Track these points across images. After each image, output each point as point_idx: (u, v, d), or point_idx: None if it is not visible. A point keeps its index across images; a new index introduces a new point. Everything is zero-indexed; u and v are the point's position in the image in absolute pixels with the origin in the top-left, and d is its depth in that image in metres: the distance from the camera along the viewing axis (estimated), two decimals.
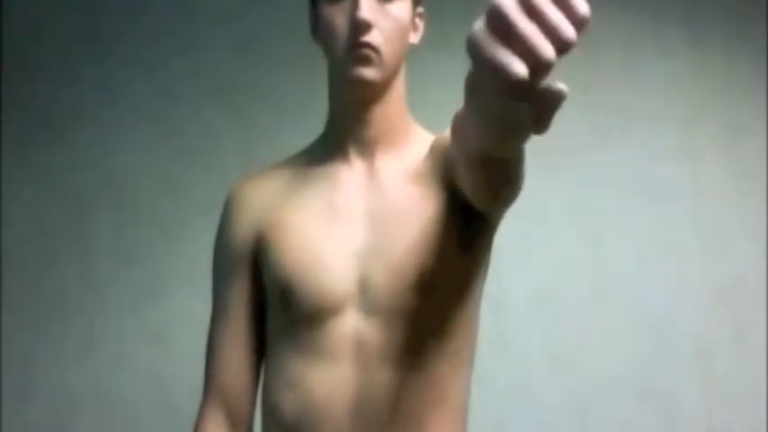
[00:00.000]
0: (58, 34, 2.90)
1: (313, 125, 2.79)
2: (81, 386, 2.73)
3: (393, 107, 1.27)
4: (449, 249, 1.21)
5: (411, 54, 2.81)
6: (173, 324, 2.74)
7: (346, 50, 1.19)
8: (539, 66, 0.66)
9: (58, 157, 2.84)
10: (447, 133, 1.25)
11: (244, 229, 1.30)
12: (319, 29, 1.24)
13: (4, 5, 2.91)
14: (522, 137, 0.79)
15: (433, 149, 1.24)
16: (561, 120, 2.80)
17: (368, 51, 1.18)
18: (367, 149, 1.26)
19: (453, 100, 2.80)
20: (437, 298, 1.19)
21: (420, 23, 1.30)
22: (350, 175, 1.26)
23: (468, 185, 1.06)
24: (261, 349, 1.32)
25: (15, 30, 2.90)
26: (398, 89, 1.28)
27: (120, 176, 2.82)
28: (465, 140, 0.92)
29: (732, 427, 2.63)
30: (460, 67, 2.82)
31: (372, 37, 1.18)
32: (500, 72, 0.66)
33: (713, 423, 2.63)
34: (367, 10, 1.17)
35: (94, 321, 2.76)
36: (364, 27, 1.17)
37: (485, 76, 0.69)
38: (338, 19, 1.20)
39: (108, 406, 2.72)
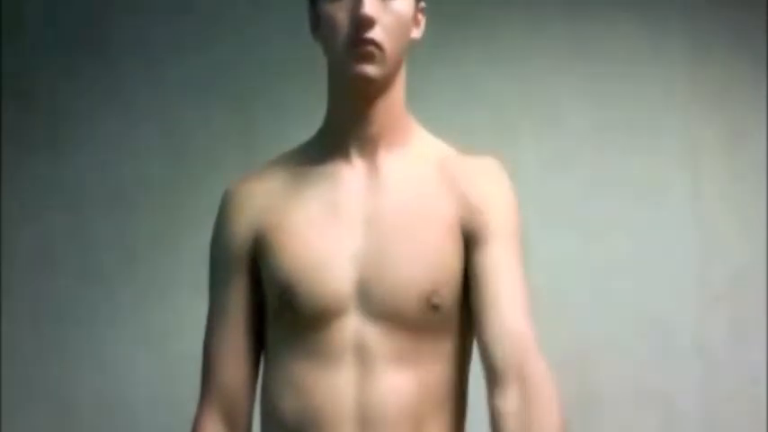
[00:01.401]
0: (58, 34, 2.89)
1: (316, 125, 2.77)
2: (82, 387, 2.73)
3: (395, 103, 1.26)
4: (451, 253, 1.21)
5: (409, 54, 2.80)
6: (174, 325, 2.74)
7: (348, 47, 1.18)
8: None
9: (58, 157, 2.84)
10: (489, 184, 1.24)
11: (242, 229, 1.28)
12: (320, 26, 1.23)
13: (3, 5, 2.91)
14: None
15: (469, 186, 1.24)
16: (562, 120, 2.79)
17: (371, 48, 1.17)
18: (368, 147, 1.25)
19: (450, 101, 2.80)
20: (439, 300, 1.19)
21: (422, 18, 1.29)
22: (351, 174, 1.24)
23: None
24: (258, 349, 1.30)
25: (15, 30, 2.90)
26: (400, 85, 1.27)
27: (121, 177, 2.82)
28: None
29: (732, 427, 2.63)
30: (460, 69, 2.82)
31: (375, 33, 1.17)
32: None
33: (713, 423, 2.63)
34: (370, 6, 1.15)
35: (95, 322, 2.76)
36: (367, 23, 1.16)
37: None
38: (339, 15, 1.18)
39: (109, 407, 2.71)
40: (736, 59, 2.80)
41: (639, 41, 2.82)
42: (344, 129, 1.26)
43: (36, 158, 2.84)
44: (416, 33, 1.28)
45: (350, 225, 1.21)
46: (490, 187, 1.24)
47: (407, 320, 1.17)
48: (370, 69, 1.18)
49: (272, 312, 1.24)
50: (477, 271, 1.19)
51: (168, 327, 2.74)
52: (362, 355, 1.17)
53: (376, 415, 1.15)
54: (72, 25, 2.90)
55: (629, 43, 2.82)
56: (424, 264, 1.18)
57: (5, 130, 2.86)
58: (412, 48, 1.31)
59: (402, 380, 1.16)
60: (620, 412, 2.65)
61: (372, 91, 1.22)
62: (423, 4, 1.29)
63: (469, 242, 1.22)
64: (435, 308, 1.18)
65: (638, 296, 2.71)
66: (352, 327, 1.18)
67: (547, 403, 1.15)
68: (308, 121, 2.84)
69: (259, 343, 1.29)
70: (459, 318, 1.24)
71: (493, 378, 1.15)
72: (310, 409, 1.17)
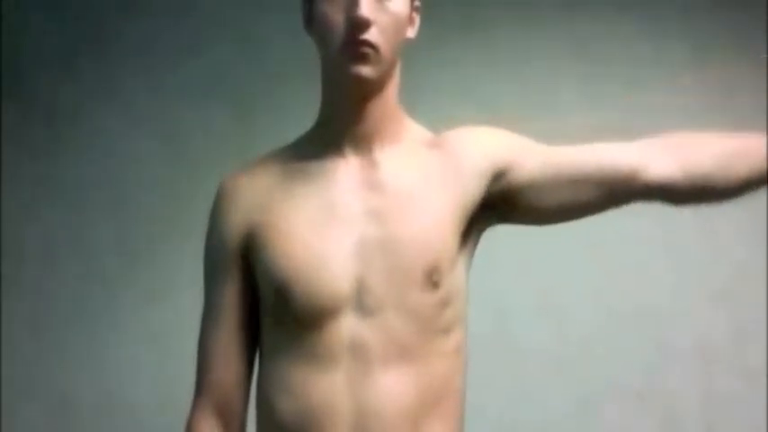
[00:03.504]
0: (58, 34, 2.90)
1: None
2: (82, 387, 2.73)
3: (389, 101, 1.26)
4: (451, 247, 1.21)
5: (409, 56, 2.80)
6: (175, 325, 2.74)
7: (343, 48, 1.17)
8: None
9: (58, 158, 2.84)
10: (469, 134, 1.29)
11: (234, 226, 1.27)
12: (314, 23, 1.23)
13: (4, 6, 2.91)
14: None
15: (457, 148, 1.26)
16: (562, 121, 2.79)
17: (366, 49, 1.17)
18: (363, 144, 1.25)
19: (450, 103, 2.80)
20: (438, 296, 1.19)
21: (416, 17, 1.29)
22: (346, 171, 1.24)
23: (575, 201, 1.27)
24: (253, 347, 1.30)
25: (16, 29, 2.90)
26: (394, 82, 1.27)
27: (121, 177, 2.82)
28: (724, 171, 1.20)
29: (732, 426, 2.63)
30: (459, 71, 2.82)
31: (371, 34, 1.17)
32: None
33: (713, 423, 2.63)
34: (366, 7, 1.15)
35: (96, 322, 2.76)
36: (363, 25, 1.16)
37: None
38: (334, 14, 1.18)
39: (109, 407, 2.72)
40: (737, 60, 2.80)
41: (639, 43, 2.82)
42: (339, 126, 1.26)
43: (36, 159, 2.84)
44: (411, 32, 1.28)
45: (348, 222, 1.21)
46: (484, 136, 1.30)
47: (406, 306, 1.17)
48: (365, 70, 1.18)
49: (267, 311, 1.24)
50: (544, 170, 1.26)
51: (169, 327, 2.74)
52: (359, 355, 1.17)
53: (373, 416, 1.15)
54: (72, 27, 2.90)
55: (629, 44, 2.82)
56: (424, 242, 1.18)
57: (5, 131, 2.86)
58: (412, 50, 1.31)
59: (399, 380, 1.16)
60: (621, 412, 2.65)
61: (367, 90, 1.22)
62: (417, 3, 1.29)
63: (508, 175, 1.26)
64: (435, 284, 1.18)
65: (638, 296, 2.70)
66: (349, 327, 1.18)
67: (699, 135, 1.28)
68: (308, 124, 2.84)
69: (253, 341, 1.29)
70: (456, 312, 1.24)
71: (637, 168, 1.25)
72: (307, 411, 1.16)
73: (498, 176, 1.25)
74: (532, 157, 1.28)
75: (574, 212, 1.29)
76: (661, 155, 1.25)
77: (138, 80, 2.87)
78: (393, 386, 1.16)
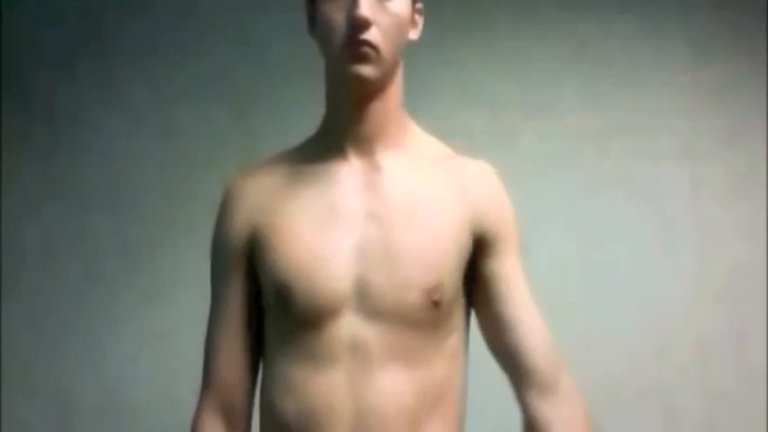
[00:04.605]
0: (58, 34, 2.90)
1: (316, 129, 2.79)
2: (82, 386, 2.73)
3: (391, 103, 1.26)
4: (453, 249, 1.21)
5: (410, 56, 2.81)
6: (175, 325, 2.74)
7: (345, 48, 1.17)
8: None
9: (58, 158, 2.84)
10: (488, 185, 1.28)
11: (239, 227, 1.28)
12: (317, 25, 1.23)
13: (4, 6, 2.91)
14: None
15: (469, 185, 1.26)
16: (562, 121, 2.80)
17: (367, 49, 1.17)
18: (365, 146, 1.25)
19: (450, 103, 2.80)
20: (439, 296, 1.19)
21: (419, 19, 1.29)
22: (348, 172, 1.24)
23: (486, 331, 1.31)
24: (258, 345, 1.30)
25: (16, 29, 2.90)
26: (396, 84, 1.27)
27: (122, 178, 2.82)
28: None
29: (732, 427, 2.63)
30: (460, 71, 2.82)
31: (371, 34, 1.17)
32: None
33: (713, 423, 2.63)
34: (366, 7, 1.16)
35: (96, 322, 2.76)
36: (364, 25, 1.16)
37: None
38: (336, 15, 1.18)
39: (110, 407, 2.72)
40: (736, 60, 2.80)
41: (639, 43, 2.82)
42: (341, 128, 1.26)
43: (36, 159, 2.84)
44: (414, 34, 1.28)
45: (349, 223, 1.21)
46: (499, 200, 1.28)
47: (407, 317, 1.17)
48: (366, 70, 1.18)
49: (269, 312, 1.25)
50: (494, 278, 1.26)
51: (169, 327, 2.74)
52: (359, 355, 1.17)
53: (372, 416, 1.15)
54: (73, 26, 2.90)
55: (629, 45, 2.82)
56: (427, 259, 1.18)
57: (5, 131, 2.86)
58: (413, 50, 1.31)
59: (399, 380, 1.17)
60: (621, 412, 2.65)
61: (368, 91, 1.22)
62: (420, 5, 1.29)
63: (480, 246, 1.25)
64: (436, 304, 1.18)
65: (637, 296, 2.71)
66: (349, 326, 1.18)
67: (586, 418, 1.24)
68: (309, 125, 2.84)
69: (258, 341, 1.30)
70: (458, 315, 1.24)
71: (531, 379, 1.24)
72: (307, 411, 1.17)
73: (476, 242, 1.26)
74: (505, 263, 1.27)
75: (483, 333, 1.31)
76: (557, 414, 1.23)
77: (138, 80, 2.87)
78: (393, 386, 1.16)
